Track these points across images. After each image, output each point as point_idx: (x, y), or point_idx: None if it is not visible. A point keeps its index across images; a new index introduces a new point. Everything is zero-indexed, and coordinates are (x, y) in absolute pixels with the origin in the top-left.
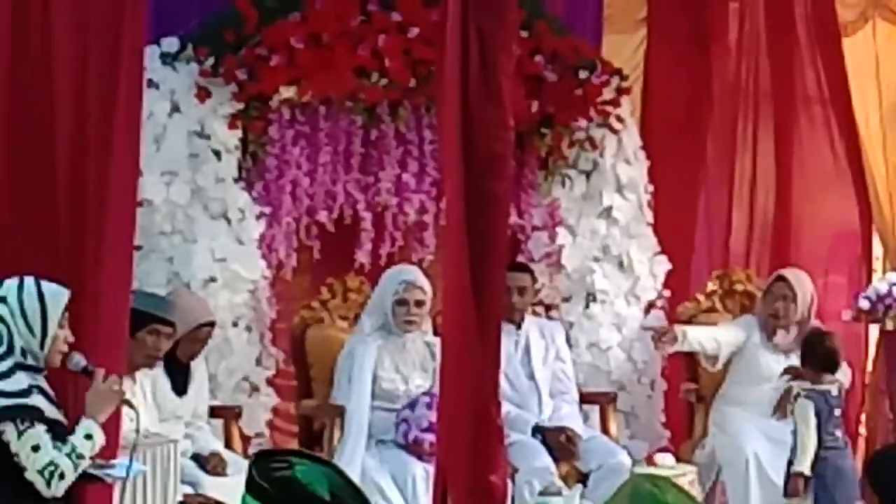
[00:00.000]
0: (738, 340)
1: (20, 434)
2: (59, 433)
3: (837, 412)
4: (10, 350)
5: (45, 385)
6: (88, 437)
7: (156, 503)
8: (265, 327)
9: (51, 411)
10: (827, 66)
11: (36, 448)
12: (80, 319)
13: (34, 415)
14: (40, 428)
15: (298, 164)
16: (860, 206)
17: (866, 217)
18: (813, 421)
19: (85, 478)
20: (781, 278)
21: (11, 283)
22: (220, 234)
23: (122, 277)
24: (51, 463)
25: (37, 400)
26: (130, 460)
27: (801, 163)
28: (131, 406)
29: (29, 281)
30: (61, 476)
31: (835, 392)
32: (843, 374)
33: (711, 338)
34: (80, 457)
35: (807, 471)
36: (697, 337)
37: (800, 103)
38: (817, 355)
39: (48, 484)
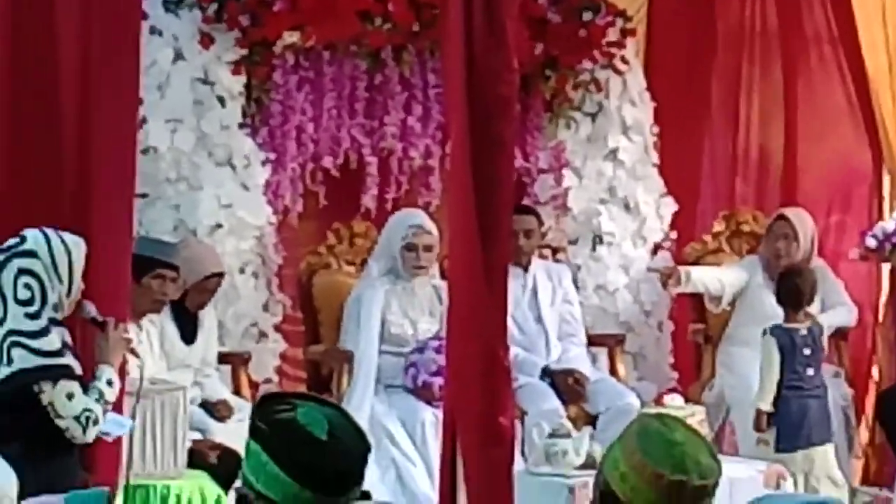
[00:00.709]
0: (740, 281)
1: (55, 383)
2: (83, 382)
3: (807, 351)
4: (44, 305)
5: (68, 338)
6: (110, 384)
7: (165, 450)
8: (272, 273)
9: (77, 367)
10: (834, 5)
11: (70, 396)
12: (84, 266)
13: (68, 372)
14: (73, 380)
15: (303, 110)
16: (871, 145)
17: (877, 156)
18: (776, 357)
19: None
20: (782, 217)
21: (36, 237)
22: (226, 180)
23: (123, 224)
24: (86, 409)
25: (67, 359)
26: (134, 411)
27: (807, 102)
28: (136, 355)
29: (51, 233)
30: (94, 421)
31: (804, 331)
32: (844, 312)
33: (715, 278)
34: (107, 402)
35: (765, 407)
36: (701, 277)
37: (808, 43)
38: (783, 291)
39: (84, 430)
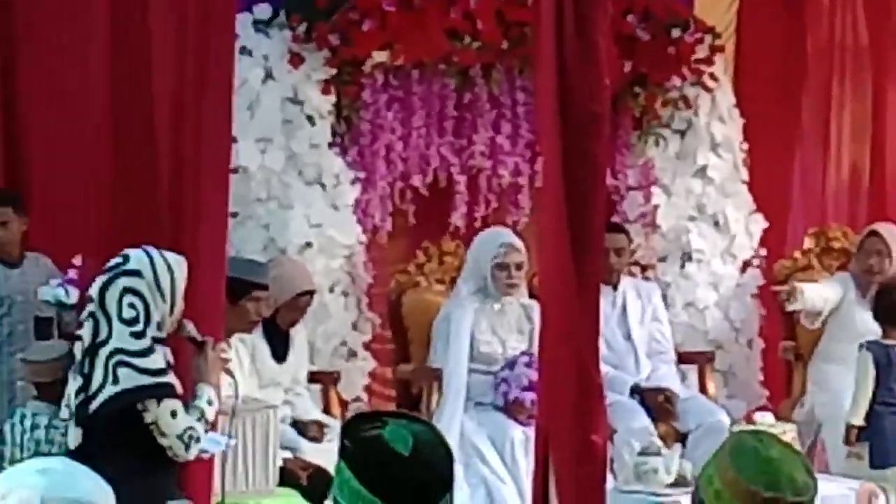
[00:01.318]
0: (837, 297)
1: (159, 402)
2: (183, 401)
3: None
4: (148, 324)
5: (170, 357)
6: (210, 403)
7: (256, 468)
8: (361, 292)
9: (178, 386)
10: None
11: (174, 414)
12: None
13: (172, 392)
14: (175, 399)
15: (392, 129)
16: None
17: None
18: (871, 373)
19: None
20: (874, 233)
21: (140, 256)
22: (316, 199)
23: (217, 244)
24: (188, 427)
25: (171, 378)
26: (229, 431)
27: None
28: (231, 374)
29: (154, 252)
30: (197, 440)
31: None
32: None
33: (819, 295)
34: (207, 421)
35: (857, 421)
36: (811, 295)
37: None
38: (882, 306)
39: (187, 448)
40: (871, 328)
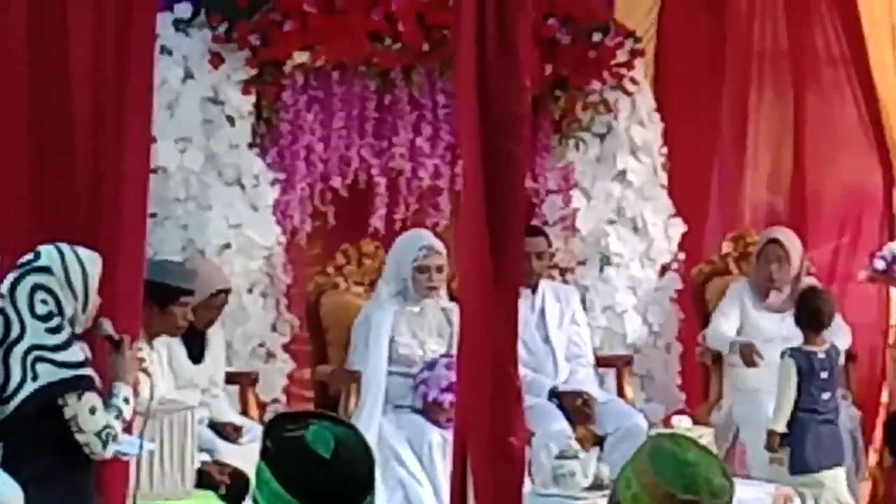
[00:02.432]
0: (736, 320)
1: (79, 397)
2: (102, 397)
3: (824, 374)
4: (62, 319)
5: (88, 353)
6: (127, 401)
7: (173, 470)
8: (280, 293)
9: (98, 380)
10: (845, 26)
11: (93, 411)
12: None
13: (92, 385)
14: (95, 394)
15: (312, 130)
16: (881, 166)
17: (887, 177)
18: (793, 380)
19: None
20: (774, 241)
21: (50, 252)
22: (235, 200)
23: (136, 245)
24: (107, 425)
25: (91, 371)
26: (142, 432)
27: (817, 123)
28: (147, 374)
29: (66, 248)
30: (114, 438)
31: (821, 354)
32: (842, 335)
33: (721, 335)
34: (124, 420)
35: (779, 428)
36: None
37: (818, 64)
38: (804, 313)
39: (104, 445)
40: (774, 332)
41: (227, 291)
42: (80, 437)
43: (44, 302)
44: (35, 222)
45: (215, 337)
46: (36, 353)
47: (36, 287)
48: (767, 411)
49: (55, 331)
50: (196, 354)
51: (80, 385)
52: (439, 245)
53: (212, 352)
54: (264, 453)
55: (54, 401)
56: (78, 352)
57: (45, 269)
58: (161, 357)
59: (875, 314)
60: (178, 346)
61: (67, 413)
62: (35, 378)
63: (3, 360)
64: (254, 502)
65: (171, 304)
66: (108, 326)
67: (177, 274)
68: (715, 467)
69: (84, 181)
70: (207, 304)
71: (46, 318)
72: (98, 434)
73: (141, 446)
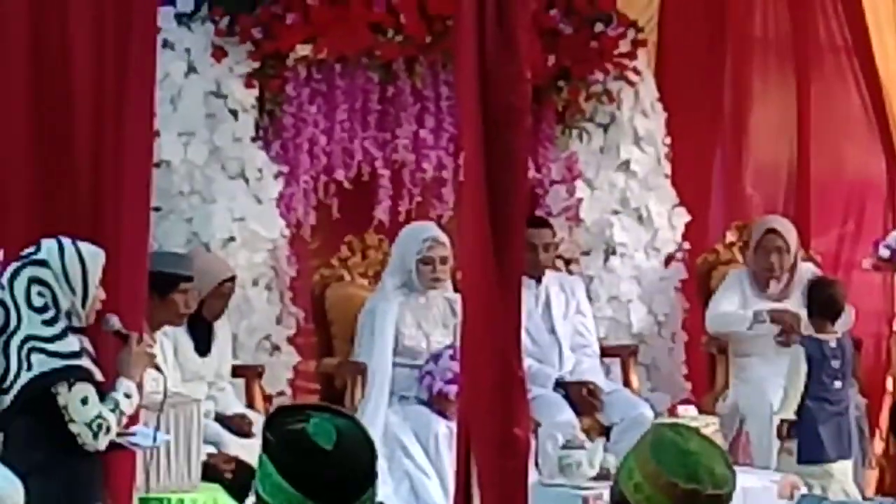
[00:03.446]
0: (736, 304)
1: (70, 386)
2: (101, 392)
3: (835, 363)
4: (58, 311)
5: (88, 346)
6: (128, 396)
7: (179, 463)
8: (285, 286)
9: (96, 373)
10: (847, 13)
11: (85, 401)
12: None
13: (84, 375)
14: (89, 384)
15: (315, 122)
16: (885, 154)
17: (891, 165)
18: (803, 368)
19: (109, 445)
20: (772, 231)
21: (51, 246)
22: (239, 193)
23: (140, 239)
24: (98, 416)
25: (86, 362)
26: (157, 425)
27: (821, 111)
28: (159, 370)
29: (66, 242)
30: (107, 430)
31: (833, 343)
32: (844, 321)
33: (724, 320)
34: (122, 413)
35: (787, 415)
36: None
37: (821, 52)
38: (818, 302)
39: (95, 436)
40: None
41: (232, 279)
42: (72, 427)
43: (40, 294)
44: (38, 216)
45: (222, 330)
46: (31, 343)
47: (32, 280)
48: (772, 401)
49: (50, 322)
50: (203, 348)
51: (71, 374)
52: (443, 237)
53: (218, 345)
54: (266, 446)
55: (48, 390)
56: (73, 343)
57: (43, 263)
58: (166, 350)
59: (880, 302)
60: (184, 339)
61: (61, 401)
62: (29, 368)
63: (3, 351)
64: (256, 495)
65: (170, 292)
66: (115, 322)
67: (173, 261)
68: (717, 457)
69: (87, 175)
70: (216, 293)
71: (42, 309)
72: (89, 424)
73: (155, 438)
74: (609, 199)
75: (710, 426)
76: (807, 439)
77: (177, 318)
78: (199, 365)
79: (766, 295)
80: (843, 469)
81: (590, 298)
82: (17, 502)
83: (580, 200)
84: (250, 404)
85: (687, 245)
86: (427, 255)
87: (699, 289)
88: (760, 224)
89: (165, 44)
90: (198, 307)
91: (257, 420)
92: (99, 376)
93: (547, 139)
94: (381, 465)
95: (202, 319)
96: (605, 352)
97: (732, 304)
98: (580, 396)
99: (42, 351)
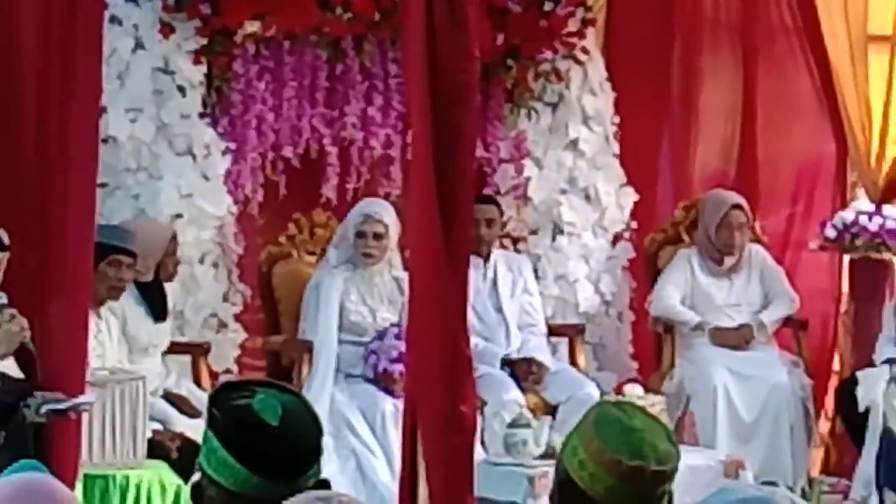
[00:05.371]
0: (684, 286)
1: None
2: None
3: None
4: None
5: None
6: None
7: (124, 440)
8: (232, 263)
9: None
10: None
11: None
12: (46, 256)
13: None
14: None
15: (263, 100)
16: (835, 136)
17: (840, 146)
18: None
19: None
20: (738, 206)
21: None
22: (186, 170)
23: (86, 214)
24: None
25: None
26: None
27: (770, 92)
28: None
29: None
30: None
31: None
32: (787, 301)
33: (671, 304)
34: None
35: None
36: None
37: (773, 33)
38: None
39: None
40: (725, 298)
41: (174, 237)
42: None
43: None
44: None
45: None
46: None
47: None
48: (717, 381)
49: None
50: (158, 313)
51: None
52: (382, 213)
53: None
54: (211, 421)
55: None
56: None
57: None
58: (110, 326)
59: (826, 282)
60: (133, 311)
61: None
62: None
63: None
64: (201, 470)
65: (99, 262)
66: None
67: (106, 233)
68: (661, 433)
69: (32, 153)
70: (169, 252)
71: None
72: None
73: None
74: (557, 178)
75: (655, 405)
76: None
77: (108, 291)
78: (152, 333)
79: (717, 272)
80: None
81: (537, 277)
82: None
83: (528, 179)
84: (197, 381)
85: (635, 224)
86: (360, 228)
87: (647, 268)
88: (718, 200)
89: (113, 19)
90: (154, 276)
91: (201, 398)
92: None
93: (495, 118)
94: (328, 442)
95: (153, 288)
96: (553, 331)
97: (675, 291)
98: (526, 374)
99: None
